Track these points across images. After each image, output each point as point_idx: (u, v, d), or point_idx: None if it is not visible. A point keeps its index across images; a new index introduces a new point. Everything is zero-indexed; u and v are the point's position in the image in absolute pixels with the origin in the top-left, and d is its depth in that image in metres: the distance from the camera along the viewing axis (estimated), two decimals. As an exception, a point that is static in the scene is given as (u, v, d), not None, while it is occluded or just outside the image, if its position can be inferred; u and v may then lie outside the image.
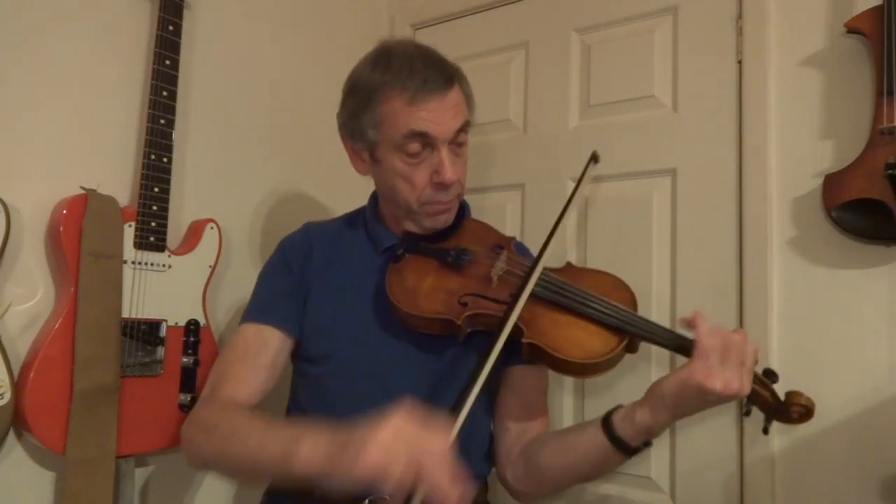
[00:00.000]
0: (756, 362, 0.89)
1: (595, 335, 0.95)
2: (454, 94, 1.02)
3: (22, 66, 1.15)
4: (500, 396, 1.13)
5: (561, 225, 1.10)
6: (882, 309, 1.17)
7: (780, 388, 0.93)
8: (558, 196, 1.53)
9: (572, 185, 1.54)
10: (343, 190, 1.73)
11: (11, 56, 1.13)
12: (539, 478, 1.05)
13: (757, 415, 0.92)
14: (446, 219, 1.09)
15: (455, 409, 0.81)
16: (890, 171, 1.08)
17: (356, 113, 1.04)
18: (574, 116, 1.57)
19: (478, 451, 1.11)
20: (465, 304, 0.98)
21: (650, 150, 1.44)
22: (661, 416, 0.90)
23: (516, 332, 0.94)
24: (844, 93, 1.24)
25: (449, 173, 1.00)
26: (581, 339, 0.94)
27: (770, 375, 0.93)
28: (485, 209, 1.63)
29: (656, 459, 1.36)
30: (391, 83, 1.00)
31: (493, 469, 1.15)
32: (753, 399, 0.91)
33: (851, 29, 1.21)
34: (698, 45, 1.41)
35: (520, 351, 0.96)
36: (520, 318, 0.94)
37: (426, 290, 1.01)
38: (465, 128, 1.04)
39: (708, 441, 1.30)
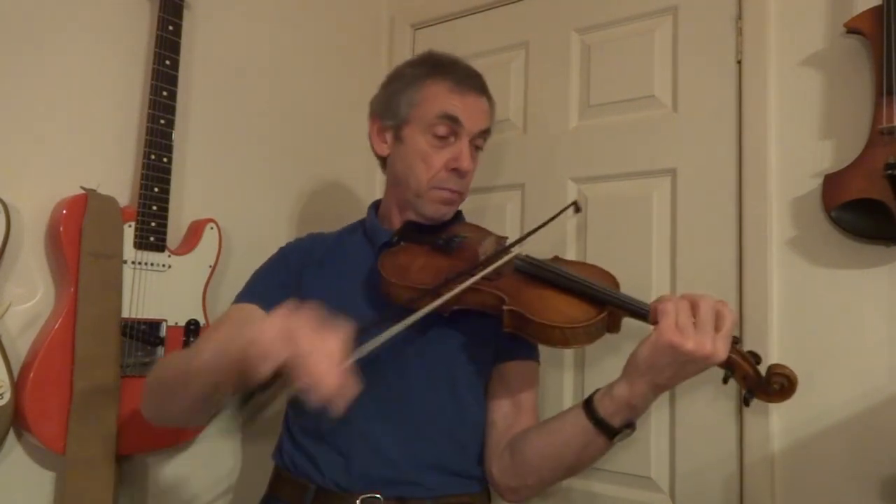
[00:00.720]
0: (733, 329, 0.88)
1: (576, 305, 0.98)
2: (485, 102, 1.16)
3: (22, 66, 1.15)
4: (491, 392, 1.14)
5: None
6: (882, 309, 1.17)
7: None
8: (558, 196, 1.53)
9: (573, 185, 1.54)
10: (343, 189, 1.74)
11: (11, 56, 1.13)
12: (524, 469, 1.05)
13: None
14: (447, 211, 1.14)
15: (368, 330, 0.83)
16: (890, 171, 1.09)
17: (397, 91, 1.14)
18: (574, 116, 1.57)
19: (477, 450, 1.11)
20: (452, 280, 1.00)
21: (650, 150, 1.44)
22: (639, 386, 0.90)
23: (497, 301, 0.98)
24: (844, 93, 1.24)
25: (466, 162, 1.10)
26: (561, 307, 0.97)
27: (753, 356, 0.93)
28: (485, 209, 1.63)
29: (656, 459, 1.36)
30: (437, 72, 1.13)
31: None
32: (733, 369, 0.91)
33: (851, 29, 1.21)
34: (698, 45, 1.41)
35: (501, 322, 0.98)
36: (503, 290, 0.98)
37: (417, 268, 1.05)
38: (485, 134, 1.15)
39: (708, 441, 1.30)
